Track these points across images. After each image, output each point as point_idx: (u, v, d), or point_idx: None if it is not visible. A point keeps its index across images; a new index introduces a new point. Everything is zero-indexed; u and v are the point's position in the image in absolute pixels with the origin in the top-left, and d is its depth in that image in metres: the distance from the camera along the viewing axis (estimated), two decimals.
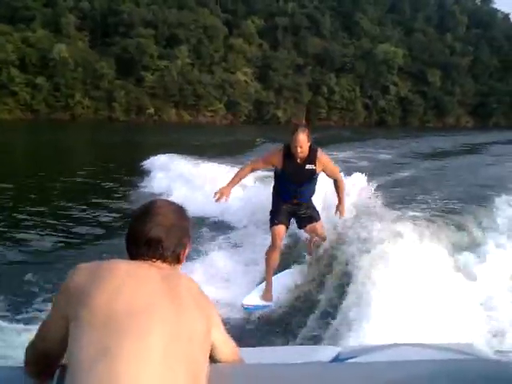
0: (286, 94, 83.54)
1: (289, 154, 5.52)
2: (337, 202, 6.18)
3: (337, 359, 2.06)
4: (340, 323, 4.71)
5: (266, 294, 5.82)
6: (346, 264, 5.59)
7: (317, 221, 6.00)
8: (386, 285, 4.80)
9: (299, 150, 5.38)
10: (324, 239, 6.25)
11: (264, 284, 6.00)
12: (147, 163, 17.22)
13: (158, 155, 17.45)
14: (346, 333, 4.47)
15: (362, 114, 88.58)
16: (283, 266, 6.37)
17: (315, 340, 4.78)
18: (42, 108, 71.00)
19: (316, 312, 5.35)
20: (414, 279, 4.92)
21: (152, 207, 1.82)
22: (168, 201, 1.93)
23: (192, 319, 1.63)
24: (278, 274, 6.28)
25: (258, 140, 29.21)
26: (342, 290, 5.28)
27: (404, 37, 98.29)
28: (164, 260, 1.77)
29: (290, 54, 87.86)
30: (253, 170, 5.84)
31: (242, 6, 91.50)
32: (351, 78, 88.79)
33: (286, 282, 6.23)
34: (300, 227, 6.19)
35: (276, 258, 5.84)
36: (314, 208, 6.06)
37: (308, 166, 5.55)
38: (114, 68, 75.15)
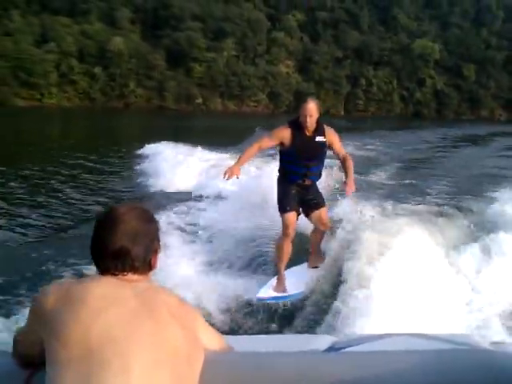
0: (325, 86, 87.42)
1: (297, 127, 5.32)
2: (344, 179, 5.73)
3: (331, 348, 2.05)
4: (337, 315, 4.65)
5: (279, 286, 5.54)
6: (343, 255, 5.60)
7: (323, 206, 5.74)
8: (385, 278, 4.77)
9: (308, 119, 5.18)
10: (328, 227, 5.93)
11: (275, 278, 5.71)
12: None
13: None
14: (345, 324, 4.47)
15: (398, 106, 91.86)
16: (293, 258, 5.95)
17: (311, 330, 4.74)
18: (99, 96, 76.11)
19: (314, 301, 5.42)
20: (412, 272, 4.94)
21: (113, 215, 1.70)
22: (130, 205, 1.78)
23: (173, 336, 1.57)
24: (293, 268, 5.98)
25: (256, 129, 28.60)
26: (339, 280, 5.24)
27: (440, 31, 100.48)
28: (135, 271, 1.68)
29: (329, 47, 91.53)
30: (260, 148, 5.52)
31: (283, 0, 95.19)
32: (388, 70, 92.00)
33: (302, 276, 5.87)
34: (306, 215, 5.78)
35: (288, 249, 5.55)
36: (320, 193, 5.84)
37: (318, 138, 5.36)
38: (164, 59, 79.85)
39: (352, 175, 5.55)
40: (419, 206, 8.44)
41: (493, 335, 4.45)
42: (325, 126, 5.45)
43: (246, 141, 18.89)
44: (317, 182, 5.81)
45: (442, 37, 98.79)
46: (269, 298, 5.33)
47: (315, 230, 5.95)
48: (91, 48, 76.16)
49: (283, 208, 5.49)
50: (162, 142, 17.30)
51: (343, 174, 5.75)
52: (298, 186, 5.53)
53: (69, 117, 54.33)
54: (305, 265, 6.10)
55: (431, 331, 3.49)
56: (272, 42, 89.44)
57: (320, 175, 5.77)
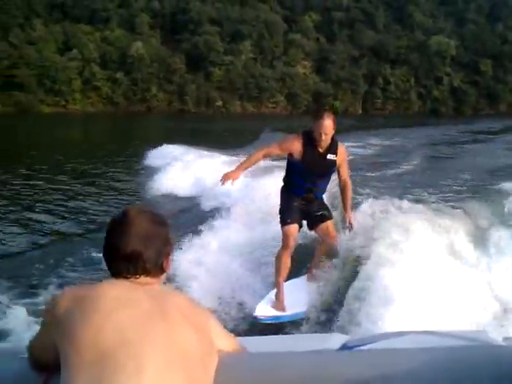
0: (343, 86, 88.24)
1: (309, 141, 5.05)
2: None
3: (344, 347, 2.05)
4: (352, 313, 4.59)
5: (278, 304, 5.22)
6: (358, 257, 5.37)
7: (329, 219, 5.46)
8: (399, 276, 4.69)
9: (323, 137, 4.92)
10: (336, 240, 5.56)
11: (275, 291, 5.40)
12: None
13: None
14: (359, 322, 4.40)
15: (416, 104, 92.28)
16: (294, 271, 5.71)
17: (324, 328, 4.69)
18: (122, 101, 78.04)
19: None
20: (427, 269, 4.85)
21: (125, 218, 1.73)
22: (142, 208, 1.82)
23: (187, 338, 1.59)
24: (293, 281, 5.70)
25: (265, 128, 27.75)
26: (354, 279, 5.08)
27: (456, 28, 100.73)
28: (148, 274, 1.71)
29: (346, 46, 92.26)
30: (266, 156, 5.29)
31: (299, 1, 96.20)
32: (405, 69, 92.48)
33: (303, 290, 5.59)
34: (311, 228, 5.55)
35: (288, 262, 5.27)
36: (326, 205, 5.58)
37: (329, 156, 5.10)
38: (184, 63, 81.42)
39: (350, 207, 5.49)
40: (432, 200, 8.51)
41: (510, 331, 4.36)
42: (339, 144, 5.19)
43: (256, 142, 19.82)
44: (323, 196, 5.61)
45: (457, 33, 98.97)
46: (267, 319, 5.03)
47: (321, 243, 5.69)
48: (113, 54, 78.15)
49: (284, 220, 5.24)
50: (175, 145, 17.38)
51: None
52: (301, 199, 5.29)
53: (91, 121, 56.17)
54: (304, 277, 5.82)
55: (447, 327, 3.67)
56: (289, 43, 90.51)
57: (325, 191, 5.55)
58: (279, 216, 5.33)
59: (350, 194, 5.45)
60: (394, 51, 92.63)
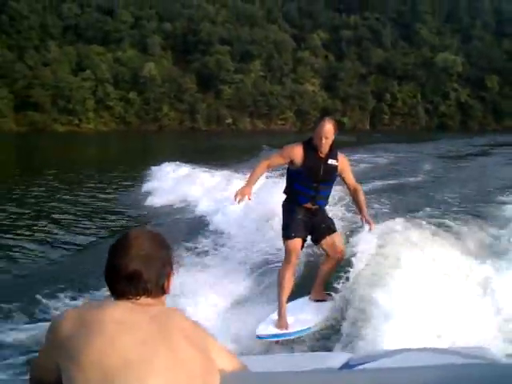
0: (351, 102, 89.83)
1: (310, 147, 5.03)
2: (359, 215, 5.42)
3: (347, 366, 2.04)
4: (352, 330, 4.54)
5: (281, 321, 5.04)
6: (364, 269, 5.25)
7: (335, 231, 5.32)
8: (401, 290, 4.64)
9: (324, 140, 4.89)
10: (343, 255, 5.36)
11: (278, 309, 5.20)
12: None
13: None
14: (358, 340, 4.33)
15: (423, 119, 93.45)
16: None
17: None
18: (134, 120, 79.97)
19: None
20: (429, 285, 4.78)
21: (126, 239, 1.75)
22: (144, 230, 1.85)
23: (188, 359, 1.60)
24: (298, 300, 5.52)
25: (264, 146, 27.87)
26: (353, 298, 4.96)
27: (462, 44, 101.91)
28: (149, 294, 1.71)
29: (354, 64, 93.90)
30: (270, 167, 5.26)
31: (307, 20, 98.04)
32: (412, 85, 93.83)
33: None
34: (317, 241, 5.36)
35: (291, 279, 5.14)
36: (330, 217, 5.48)
37: (330, 161, 5.06)
38: (195, 83, 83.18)
39: (365, 209, 5.33)
40: (438, 215, 8.40)
41: None
42: (338, 152, 5.15)
43: (255, 159, 20.39)
44: (325, 208, 5.48)
45: (463, 49, 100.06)
46: (268, 336, 4.88)
47: (327, 259, 5.38)
48: (125, 74, 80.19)
49: (287, 234, 5.08)
50: (178, 162, 17.51)
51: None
52: (305, 211, 5.13)
53: (103, 140, 57.33)
54: (307, 297, 5.57)
55: (455, 343, 3.70)
56: (298, 61, 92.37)
57: (327, 201, 5.42)
58: (282, 230, 5.19)
59: (362, 196, 5.30)
60: (401, 68, 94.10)
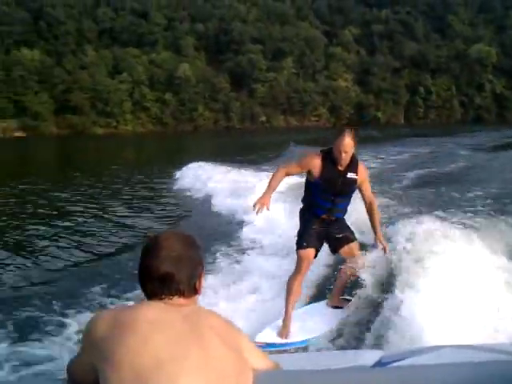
0: (384, 96, 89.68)
1: (329, 159, 4.88)
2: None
3: (379, 363, 2.02)
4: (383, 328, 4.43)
5: (283, 330, 5.02)
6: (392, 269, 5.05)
7: (353, 241, 5.20)
8: (432, 287, 4.53)
9: (343, 155, 4.76)
10: (362, 265, 5.18)
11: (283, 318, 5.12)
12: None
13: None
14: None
15: (458, 112, 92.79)
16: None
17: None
18: (170, 121, 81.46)
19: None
20: (461, 282, 4.65)
21: (157, 241, 1.78)
22: (174, 232, 1.87)
23: (221, 358, 1.61)
24: (312, 305, 5.54)
25: (290, 142, 27.79)
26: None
27: (496, 35, 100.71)
28: (181, 295, 1.74)
29: (386, 58, 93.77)
30: (287, 175, 5.12)
31: (338, 16, 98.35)
32: (446, 77, 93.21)
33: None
34: (335, 250, 5.29)
35: (299, 287, 5.13)
36: (349, 226, 5.27)
37: (350, 175, 4.91)
38: (229, 82, 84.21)
39: (380, 229, 5.15)
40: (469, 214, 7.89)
41: None
42: (359, 163, 5.00)
43: (283, 155, 21.02)
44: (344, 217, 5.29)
45: (497, 40, 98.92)
46: (264, 346, 4.69)
47: (347, 267, 5.28)
48: (160, 76, 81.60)
49: (300, 243, 5.02)
50: (209, 162, 17.72)
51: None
52: (321, 222, 5.02)
53: (140, 141, 58.52)
54: (323, 302, 5.51)
55: (490, 339, 3.66)
56: (330, 57, 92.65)
57: (345, 212, 5.23)
58: (296, 238, 5.12)
59: (377, 214, 5.16)
60: (434, 60, 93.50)
